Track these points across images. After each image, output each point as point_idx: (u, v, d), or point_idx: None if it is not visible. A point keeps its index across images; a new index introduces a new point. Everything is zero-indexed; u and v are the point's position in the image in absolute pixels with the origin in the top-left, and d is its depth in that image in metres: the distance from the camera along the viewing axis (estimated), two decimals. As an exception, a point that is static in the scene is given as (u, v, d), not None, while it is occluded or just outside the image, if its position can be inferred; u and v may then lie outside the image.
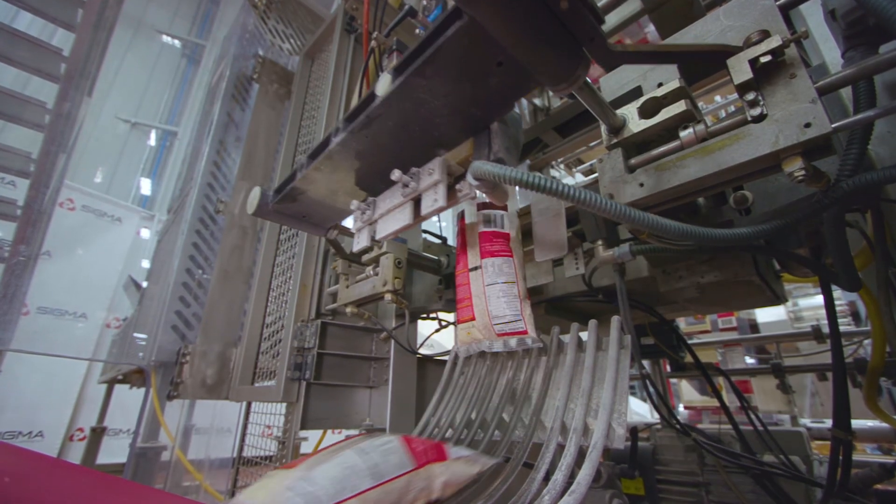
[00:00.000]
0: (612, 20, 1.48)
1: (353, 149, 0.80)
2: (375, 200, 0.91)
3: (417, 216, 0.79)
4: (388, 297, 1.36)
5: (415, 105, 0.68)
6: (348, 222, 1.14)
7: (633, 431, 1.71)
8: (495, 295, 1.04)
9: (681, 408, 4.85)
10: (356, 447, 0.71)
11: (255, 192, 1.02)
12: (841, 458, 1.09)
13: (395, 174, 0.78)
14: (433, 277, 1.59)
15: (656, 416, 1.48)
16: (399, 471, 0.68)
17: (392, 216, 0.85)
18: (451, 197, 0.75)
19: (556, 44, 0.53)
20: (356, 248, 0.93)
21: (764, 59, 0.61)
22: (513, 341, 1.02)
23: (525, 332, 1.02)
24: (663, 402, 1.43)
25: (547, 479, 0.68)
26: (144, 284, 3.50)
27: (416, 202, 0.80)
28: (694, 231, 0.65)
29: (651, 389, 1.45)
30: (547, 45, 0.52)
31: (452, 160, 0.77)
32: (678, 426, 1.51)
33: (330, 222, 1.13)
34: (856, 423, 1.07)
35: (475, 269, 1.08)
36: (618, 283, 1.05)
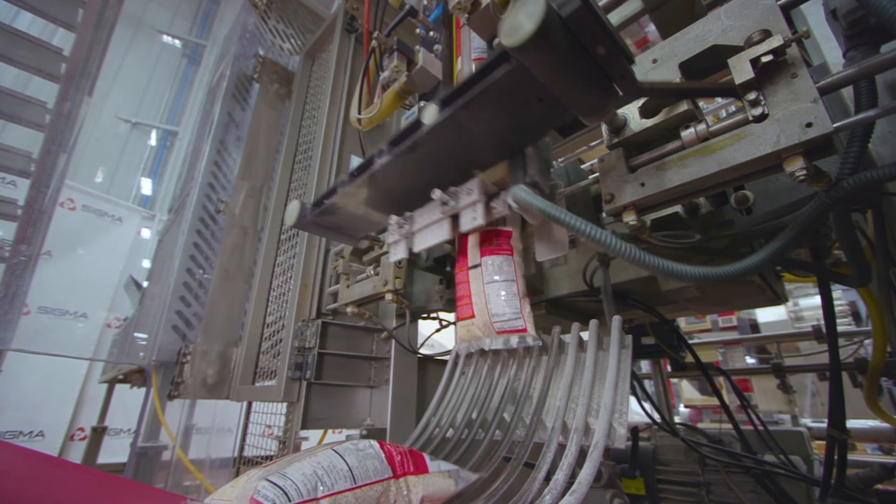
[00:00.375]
0: (612, 20, 1.47)
1: (394, 169, 0.85)
2: (413, 215, 0.96)
3: (455, 231, 0.86)
4: (388, 296, 1.36)
5: (457, 132, 0.74)
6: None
7: (635, 431, 1.71)
8: (495, 293, 1.03)
9: (681, 407, 4.86)
10: (336, 448, 0.71)
11: (295, 206, 1.05)
12: (836, 456, 1.09)
13: (436, 193, 0.84)
14: (434, 277, 1.59)
15: (657, 416, 1.48)
16: (377, 477, 0.68)
17: (430, 230, 0.91)
18: (488, 214, 0.81)
19: (593, 82, 0.59)
20: (392, 258, 0.99)
21: (765, 59, 0.61)
22: (513, 339, 1.01)
23: (524, 330, 1.02)
24: (652, 405, 1.43)
25: (548, 478, 0.68)
26: (145, 284, 3.51)
27: (454, 218, 0.86)
28: (711, 273, 0.67)
29: (640, 392, 1.44)
30: (584, 84, 0.59)
31: (488, 180, 0.83)
32: (667, 428, 1.51)
33: (363, 233, 1.18)
34: (857, 423, 1.07)
35: (475, 266, 1.08)
36: (602, 276, 1.05)
